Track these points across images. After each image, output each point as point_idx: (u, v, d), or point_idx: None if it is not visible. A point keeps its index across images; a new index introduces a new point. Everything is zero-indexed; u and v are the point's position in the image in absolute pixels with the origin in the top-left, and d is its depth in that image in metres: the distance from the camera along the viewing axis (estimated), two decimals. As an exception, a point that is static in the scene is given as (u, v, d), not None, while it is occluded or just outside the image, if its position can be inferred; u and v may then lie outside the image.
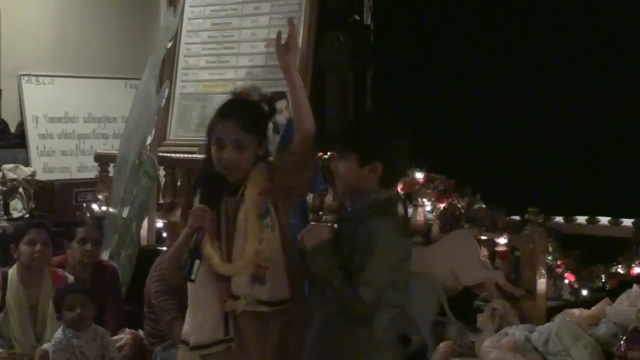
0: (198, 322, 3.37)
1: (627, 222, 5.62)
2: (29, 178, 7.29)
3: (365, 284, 2.95)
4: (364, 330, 3.03)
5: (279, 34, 3.41)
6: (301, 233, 3.18)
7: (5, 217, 6.97)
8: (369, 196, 3.11)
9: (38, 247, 5.21)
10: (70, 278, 5.34)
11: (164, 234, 6.82)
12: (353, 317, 3.03)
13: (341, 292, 2.97)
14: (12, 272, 5.24)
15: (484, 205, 5.61)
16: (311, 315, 3.23)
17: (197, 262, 3.19)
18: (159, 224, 6.84)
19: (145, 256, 6.08)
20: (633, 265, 5.32)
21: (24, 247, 5.22)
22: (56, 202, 7.35)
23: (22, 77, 7.97)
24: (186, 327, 3.44)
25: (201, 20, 7.58)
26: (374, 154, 3.04)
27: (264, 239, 3.33)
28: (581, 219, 5.88)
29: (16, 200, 7.14)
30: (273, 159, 3.53)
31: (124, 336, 5.31)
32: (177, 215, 3.49)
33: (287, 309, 3.36)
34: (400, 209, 3.17)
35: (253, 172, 3.40)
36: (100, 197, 6.95)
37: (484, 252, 5.37)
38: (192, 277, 3.19)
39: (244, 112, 3.43)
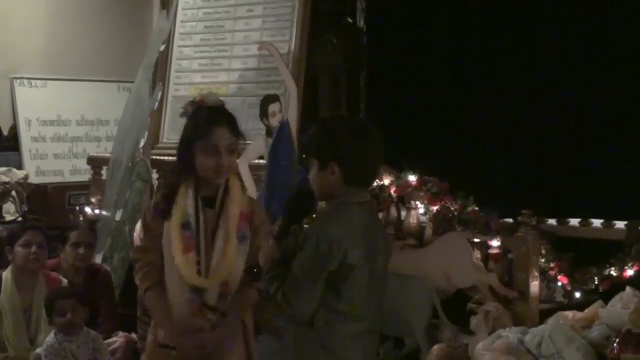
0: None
1: (620, 224, 5.64)
2: (22, 181, 7.27)
3: (291, 287, 2.93)
4: (310, 331, 3.00)
5: None
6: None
7: (-2, 220, 6.96)
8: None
9: (34, 249, 5.17)
10: (65, 281, 5.32)
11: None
12: (293, 321, 3.03)
13: (274, 298, 2.96)
14: (6, 274, 5.21)
15: (477, 208, 5.62)
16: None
17: None
18: (152, 226, 6.82)
19: (139, 259, 6.06)
20: (626, 267, 5.34)
21: (19, 249, 5.19)
22: (49, 205, 7.33)
23: (14, 80, 7.94)
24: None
25: (194, 23, 7.56)
26: (328, 155, 3.02)
27: (237, 263, 3.45)
28: (574, 222, 5.90)
29: (9, 203, 7.12)
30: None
31: (117, 339, 5.29)
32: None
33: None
34: (357, 211, 3.08)
35: (231, 183, 3.49)
36: (93, 200, 6.94)
37: (477, 254, 5.38)
38: None
39: (230, 116, 3.51)
